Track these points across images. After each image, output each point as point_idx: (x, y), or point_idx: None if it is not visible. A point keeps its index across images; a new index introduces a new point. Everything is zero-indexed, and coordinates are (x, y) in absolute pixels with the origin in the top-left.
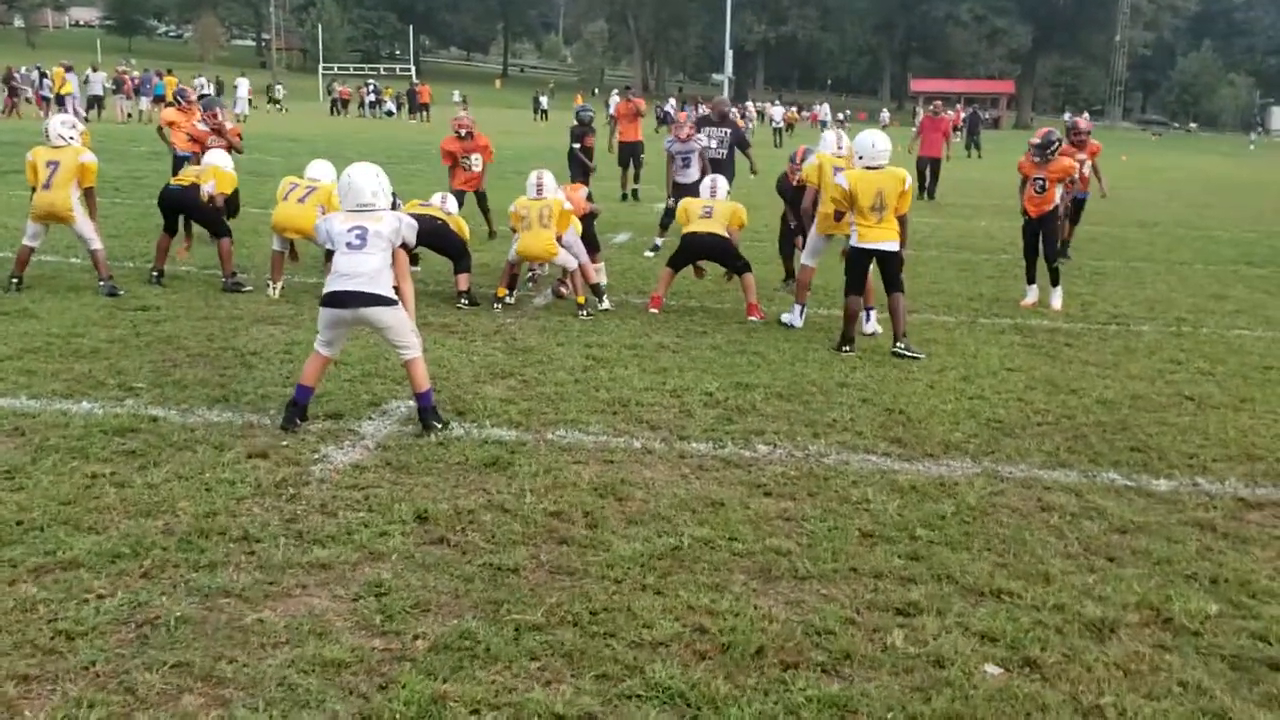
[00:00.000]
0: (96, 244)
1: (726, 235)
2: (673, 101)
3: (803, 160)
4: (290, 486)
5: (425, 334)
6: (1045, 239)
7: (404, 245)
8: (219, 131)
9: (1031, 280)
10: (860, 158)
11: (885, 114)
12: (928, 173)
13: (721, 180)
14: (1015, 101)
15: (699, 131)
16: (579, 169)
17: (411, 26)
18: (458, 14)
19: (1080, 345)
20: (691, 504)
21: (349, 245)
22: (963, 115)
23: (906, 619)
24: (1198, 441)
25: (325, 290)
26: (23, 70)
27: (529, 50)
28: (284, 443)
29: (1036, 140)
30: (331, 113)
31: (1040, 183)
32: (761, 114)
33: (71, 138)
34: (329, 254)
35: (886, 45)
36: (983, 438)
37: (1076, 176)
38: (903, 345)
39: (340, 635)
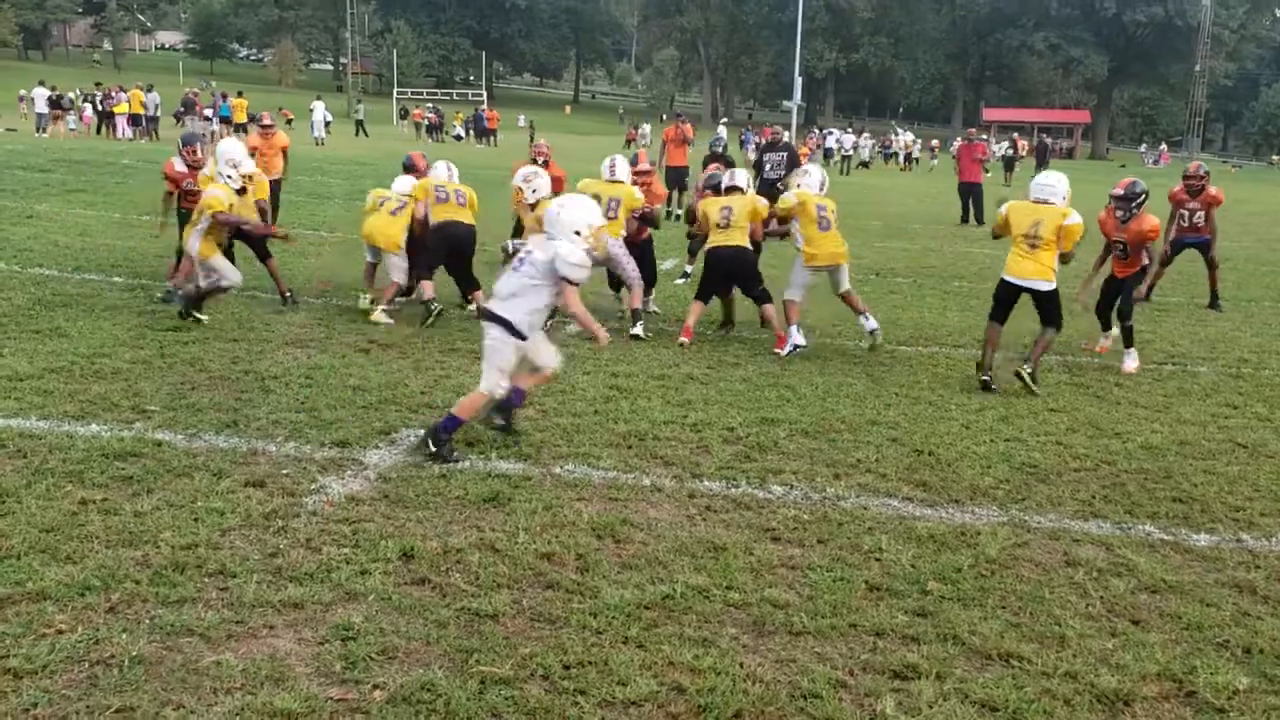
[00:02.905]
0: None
1: (748, 247)
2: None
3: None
4: (279, 518)
5: (453, 359)
6: (1124, 294)
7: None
8: (197, 168)
9: (1107, 327)
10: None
11: (956, 142)
12: (970, 200)
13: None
14: (1091, 131)
15: (762, 156)
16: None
17: (484, 53)
18: (531, 41)
19: (1131, 386)
20: (692, 548)
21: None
22: (1022, 144)
23: (903, 683)
24: (1246, 493)
25: None
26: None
27: (600, 77)
28: (284, 471)
29: (1119, 191)
30: (418, 136)
31: (1122, 247)
32: (828, 154)
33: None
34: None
35: (959, 74)
36: (1014, 483)
37: (1200, 223)
38: (1028, 370)
39: (297, 682)
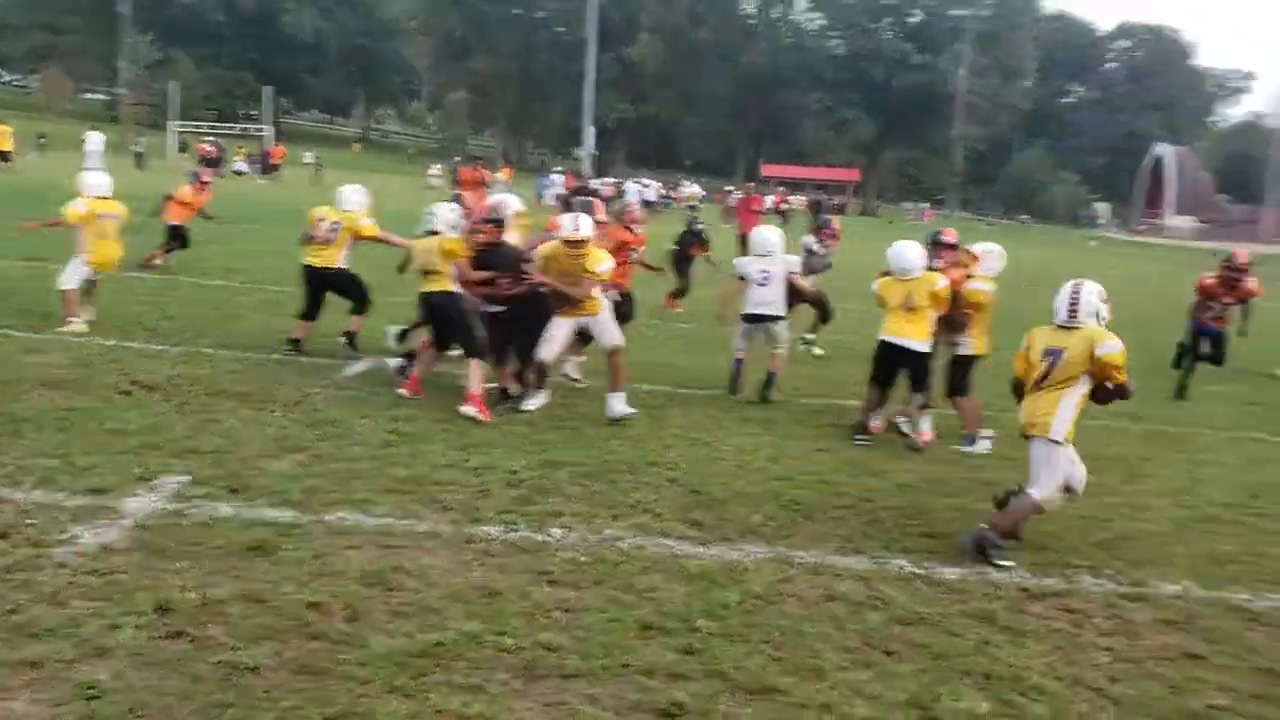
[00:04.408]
0: None
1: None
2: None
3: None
4: (22, 571)
5: (221, 400)
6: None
7: None
8: None
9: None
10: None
11: (734, 195)
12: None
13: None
14: (862, 189)
15: (569, 201)
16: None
17: (270, 88)
18: (319, 77)
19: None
20: (466, 594)
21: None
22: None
23: None
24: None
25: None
26: None
27: (393, 115)
28: (30, 521)
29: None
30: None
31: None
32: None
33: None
34: None
35: (741, 130)
36: (780, 520)
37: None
38: (907, 424)
39: None
